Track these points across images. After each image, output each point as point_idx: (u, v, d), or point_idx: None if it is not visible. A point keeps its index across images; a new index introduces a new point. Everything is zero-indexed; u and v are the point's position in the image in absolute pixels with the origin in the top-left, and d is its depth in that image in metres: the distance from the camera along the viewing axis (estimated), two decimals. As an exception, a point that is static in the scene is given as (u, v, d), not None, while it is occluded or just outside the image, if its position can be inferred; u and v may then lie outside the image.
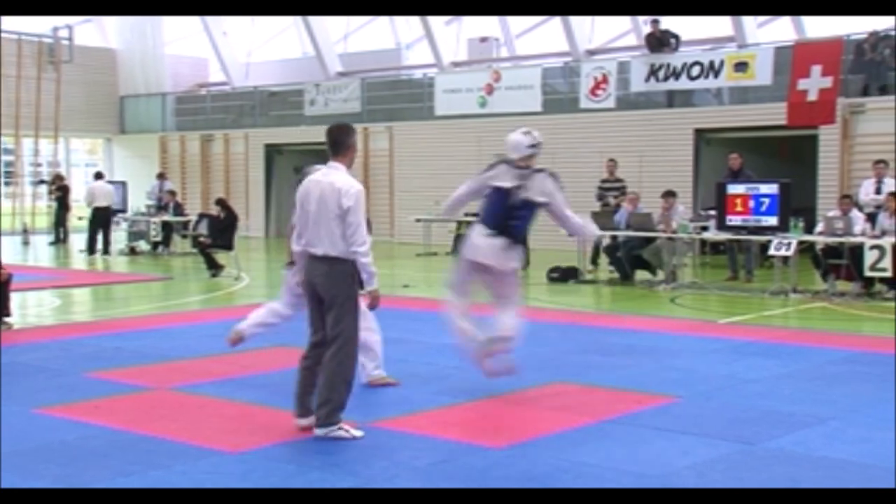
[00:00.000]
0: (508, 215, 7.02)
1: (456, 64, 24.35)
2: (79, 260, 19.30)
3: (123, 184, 22.68)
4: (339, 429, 5.77)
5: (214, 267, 15.67)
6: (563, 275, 14.65)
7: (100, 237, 19.51)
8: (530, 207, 7.11)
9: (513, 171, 7.07)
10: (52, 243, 22.34)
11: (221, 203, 16.90)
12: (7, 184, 27.92)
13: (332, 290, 5.74)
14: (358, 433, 5.80)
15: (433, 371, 7.95)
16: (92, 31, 29.59)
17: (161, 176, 22.71)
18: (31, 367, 8.03)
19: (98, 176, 21.08)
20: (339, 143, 5.88)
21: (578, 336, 9.85)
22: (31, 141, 27.37)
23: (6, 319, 10.12)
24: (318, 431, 5.78)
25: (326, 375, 5.78)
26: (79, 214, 24.41)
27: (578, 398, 7.01)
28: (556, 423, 6.29)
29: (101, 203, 19.64)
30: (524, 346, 9.03)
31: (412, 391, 7.19)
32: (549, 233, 17.59)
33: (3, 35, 26.22)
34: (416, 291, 13.66)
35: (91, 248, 19.54)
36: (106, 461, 5.37)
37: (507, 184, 7.00)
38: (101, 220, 19.59)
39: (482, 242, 7.07)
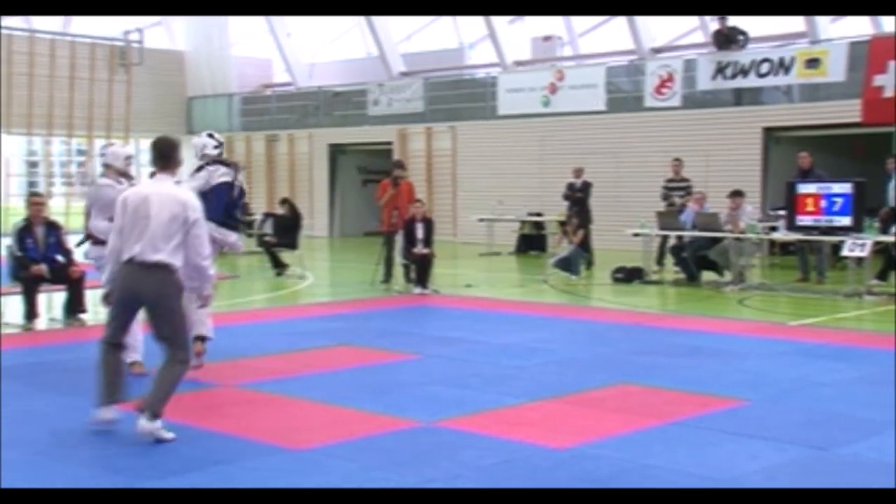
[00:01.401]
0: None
1: (519, 63, 24.25)
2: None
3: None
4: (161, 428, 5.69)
5: (279, 266, 15.81)
6: (628, 275, 14.50)
7: None
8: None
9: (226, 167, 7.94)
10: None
11: (287, 202, 17.05)
12: (82, 184, 28.56)
13: (165, 297, 5.81)
14: (169, 435, 5.69)
15: (496, 371, 7.90)
16: (161, 33, 30.11)
17: None
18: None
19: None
20: (167, 156, 6.07)
21: (643, 337, 9.73)
22: (102, 141, 27.91)
23: (80, 316, 10.34)
24: (148, 425, 5.62)
25: (165, 378, 5.79)
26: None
27: (643, 400, 6.92)
28: (621, 424, 6.21)
29: None
30: (588, 347, 9.01)
31: (475, 391, 7.16)
32: (615, 233, 17.49)
33: (77, 39, 26.84)
34: (479, 291, 13.63)
35: None
36: (175, 455, 5.44)
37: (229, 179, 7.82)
38: None
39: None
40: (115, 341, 5.97)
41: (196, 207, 5.94)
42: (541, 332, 9.90)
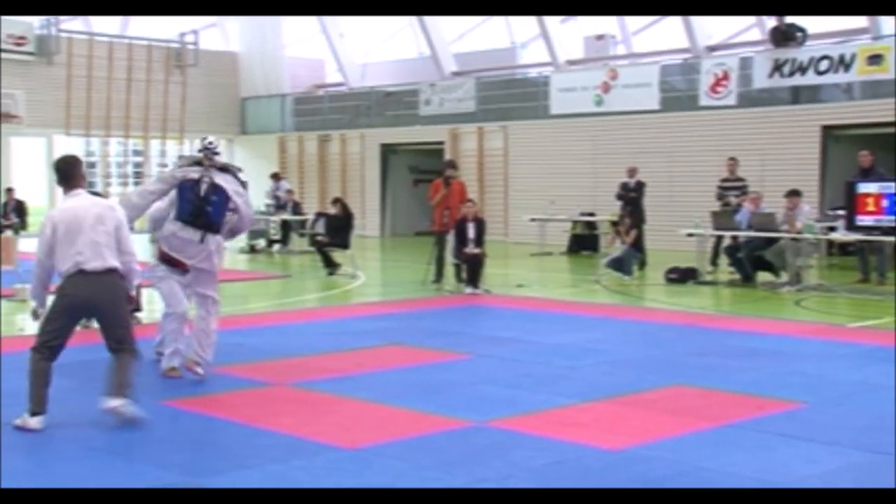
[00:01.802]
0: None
1: (571, 62, 24.11)
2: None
3: (244, 183, 23.15)
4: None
5: (331, 265, 15.89)
6: (682, 275, 14.33)
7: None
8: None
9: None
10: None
11: (339, 202, 17.14)
12: (137, 184, 28.98)
13: (118, 302, 6.08)
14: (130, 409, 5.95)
15: (548, 371, 7.85)
16: (215, 35, 30.45)
17: (276, 176, 23.11)
18: (156, 363, 8.26)
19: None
20: (69, 175, 6.22)
21: (697, 338, 9.60)
22: (158, 142, 28.34)
23: (136, 314, 10.45)
24: (114, 402, 5.91)
25: (120, 366, 6.01)
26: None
27: (697, 402, 6.82)
28: (675, 426, 6.12)
29: None
30: (641, 348, 8.91)
31: (527, 391, 7.12)
32: (668, 233, 17.31)
33: (134, 41, 27.26)
34: (530, 291, 13.57)
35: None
36: (228, 453, 5.48)
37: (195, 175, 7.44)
38: None
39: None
40: (55, 349, 6.04)
41: (117, 209, 6.29)
42: (593, 333, 9.82)
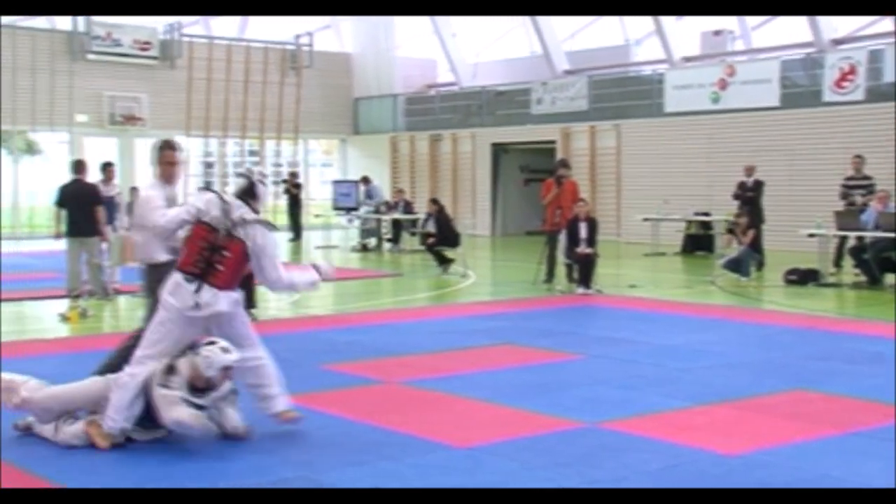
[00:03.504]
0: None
1: (687, 59, 23.63)
2: (315, 256, 20.19)
3: (355, 183, 23.56)
4: None
5: (444, 262, 15.97)
6: (802, 277, 13.87)
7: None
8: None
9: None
10: (291, 240, 23.53)
11: (434, 202, 17.36)
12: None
13: None
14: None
15: (661, 373, 7.69)
16: (329, 36, 30.96)
17: (365, 180, 23.38)
18: (272, 358, 8.41)
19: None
20: (151, 160, 6.34)
21: (819, 341, 9.27)
22: (273, 143, 28.98)
23: (251, 311, 10.69)
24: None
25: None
26: (315, 212, 25.63)
27: (820, 407, 6.57)
28: (796, 432, 5.91)
29: None
30: (759, 351, 8.64)
31: (640, 393, 6.99)
32: (788, 233, 16.79)
33: (252, 44, 27.94)
34: (643, 291, 13.34)
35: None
36: (340, 450, 5.52)
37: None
38: None
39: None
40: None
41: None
42: (708, 335, 9.58)
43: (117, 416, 5.48)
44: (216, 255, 5.61)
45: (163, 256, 6.26)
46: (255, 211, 5.85)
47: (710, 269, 15.68)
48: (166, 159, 6.62)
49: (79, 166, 12.41)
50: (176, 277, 5.64)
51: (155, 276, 6.17)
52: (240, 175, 5.95)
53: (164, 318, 5.64)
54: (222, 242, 5.64)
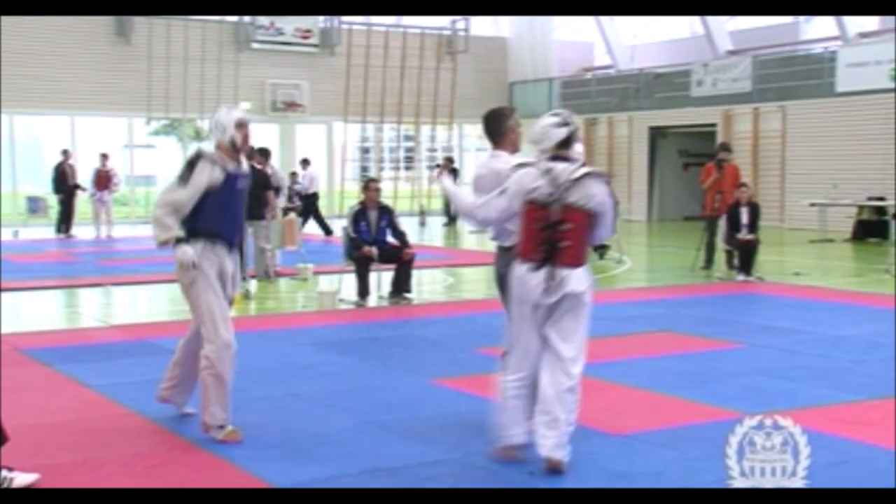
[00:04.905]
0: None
1: (863, 35, 22.46)
2: (469, 241, 20.29)
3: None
4: None
5: (600, 248, 15.76)
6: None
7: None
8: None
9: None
10: (445, 224, 23.74)
11: None
12: (407, 168, 30.13)
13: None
14: None
15: (829, 364, 7.35)
16: (486, 21, 30.99)
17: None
18: (428, 341, 8.53)
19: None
20: (494, 131, 5.57)
21: None
22: (428, 128, 29.29)
23: (406, 295, 10.85)
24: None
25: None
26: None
27: None
28: (980, 432, 5.52)
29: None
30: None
31: (805, 384, 6.70)
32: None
33: (409, 30, 28.29)
34: (809, 279, 12.79)
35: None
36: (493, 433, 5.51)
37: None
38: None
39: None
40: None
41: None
42: (881, 325, 9.08)
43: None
44: (556, 233, 4.89)
45: (507, 241, 5.42)
46: (575, 161, 4.96)
47: (885, 256, 14.89)
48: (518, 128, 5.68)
49: (261, 153, 12.88)
50: (519, 271, 4.95)
51: (503, 260, 5.47)
52: (557, 125, 4.95)
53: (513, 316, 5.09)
54: (558, 216, 4.89)
